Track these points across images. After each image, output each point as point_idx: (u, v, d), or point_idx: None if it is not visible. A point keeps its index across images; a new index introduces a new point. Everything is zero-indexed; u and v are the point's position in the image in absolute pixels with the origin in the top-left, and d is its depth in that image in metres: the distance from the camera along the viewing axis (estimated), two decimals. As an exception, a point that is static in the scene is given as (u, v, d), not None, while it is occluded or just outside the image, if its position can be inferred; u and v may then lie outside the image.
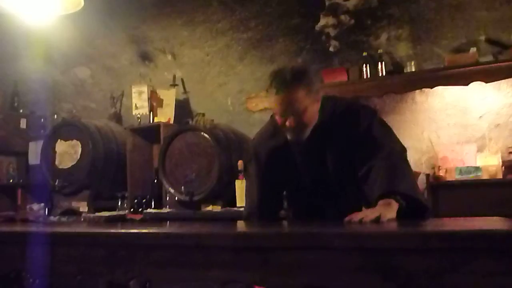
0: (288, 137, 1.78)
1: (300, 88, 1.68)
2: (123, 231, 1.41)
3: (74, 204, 4.01)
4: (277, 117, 1.76)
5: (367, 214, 1.42)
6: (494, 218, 1.41)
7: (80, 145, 3.92)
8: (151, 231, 1.39)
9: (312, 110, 1.73)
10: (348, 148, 1.72)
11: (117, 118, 4.57)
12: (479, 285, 0.96)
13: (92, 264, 1.41)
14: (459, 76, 3.31)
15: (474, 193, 3.18)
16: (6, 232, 1.81)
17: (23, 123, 4.81)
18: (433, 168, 3.41)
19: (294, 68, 1.73)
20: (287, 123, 1.70)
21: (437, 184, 3.30)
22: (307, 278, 1.11)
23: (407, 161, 1.73)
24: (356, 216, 1.42)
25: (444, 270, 0.99)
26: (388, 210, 1.46)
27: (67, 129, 4.02)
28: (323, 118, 1.77)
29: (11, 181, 4.63)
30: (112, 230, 1.52)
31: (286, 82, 1.68)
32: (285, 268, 1.13)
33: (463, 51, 3.39)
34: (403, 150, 1.74)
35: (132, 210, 3.76)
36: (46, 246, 1.51)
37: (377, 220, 1.38)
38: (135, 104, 4.14)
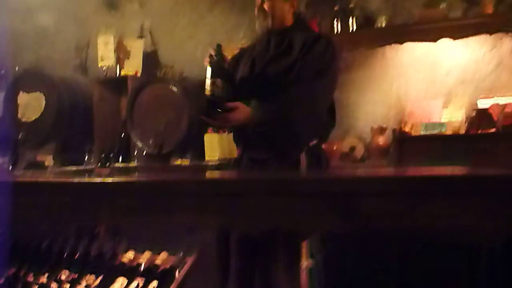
0: (260, 24, 2.16)
1: None
2: (87, 180, 1.40)
3: (40, 157, 3.92)
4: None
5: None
6: (451, 167, 1.46)
7: (44, 98, 3.80)
8: (115, 180, 1.38)
9: (286, 8, 2.06)
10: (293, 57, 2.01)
11: (83, 69, 4.43)
12: (434, 225, 1.01)
13: (57, 212, 1.40)
14: (428, 32, 3.32)
15: (438, 148, 3.27)
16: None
17: (-18, 74, 4.61)
18: (400, 123, 3.48)
19: None
20: (265, 6, 2.06)
21: (402, 139, 3.37)
22: (272, 222, 1.14)
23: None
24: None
25: (402, 213, 1.03)
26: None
27: (30, 80, 3.87)
28: (294, 30, 2.07)
29: (-28, 134, 4.48)
30: (77, 180, 1.50)
31: None
32: (252, 213, 1.15)
33: (434, 6, 3.39)
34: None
35: (99, 164, 3.72)
36: (9, 196, 1.48)
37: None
38: (101, 56, 4.01)
